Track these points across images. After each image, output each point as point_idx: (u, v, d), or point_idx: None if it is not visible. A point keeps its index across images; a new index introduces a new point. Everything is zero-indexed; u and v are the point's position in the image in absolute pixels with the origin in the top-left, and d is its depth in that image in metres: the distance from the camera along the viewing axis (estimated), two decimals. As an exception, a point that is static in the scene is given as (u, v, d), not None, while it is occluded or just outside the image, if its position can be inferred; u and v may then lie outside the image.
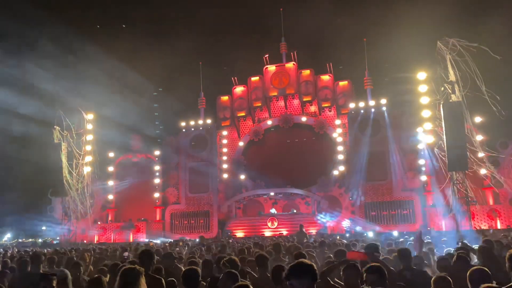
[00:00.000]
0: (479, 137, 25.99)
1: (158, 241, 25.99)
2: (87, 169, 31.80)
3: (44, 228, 38.25)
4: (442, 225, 27.00)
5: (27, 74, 30.72)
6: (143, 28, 40.67)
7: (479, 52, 22.85)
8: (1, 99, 28.34)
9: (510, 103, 24.21)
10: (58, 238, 32.76)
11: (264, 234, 28.31)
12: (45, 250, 10.58)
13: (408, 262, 6.46)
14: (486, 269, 4.68)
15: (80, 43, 34.37)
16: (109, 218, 34.56)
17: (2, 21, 30.39)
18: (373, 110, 31.01)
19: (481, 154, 25.35)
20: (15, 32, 33.50)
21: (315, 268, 3.54)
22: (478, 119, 26.41)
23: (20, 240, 34.13)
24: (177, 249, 13.27)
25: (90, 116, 32.19)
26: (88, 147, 31.92)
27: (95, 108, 32.66)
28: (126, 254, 8.44)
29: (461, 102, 23.79)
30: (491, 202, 27.36)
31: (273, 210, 31.75)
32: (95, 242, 31.33)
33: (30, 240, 35.41)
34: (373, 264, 3.47)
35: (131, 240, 30.58)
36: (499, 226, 26.07)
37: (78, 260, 7.84)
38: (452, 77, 24.02)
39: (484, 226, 25.78)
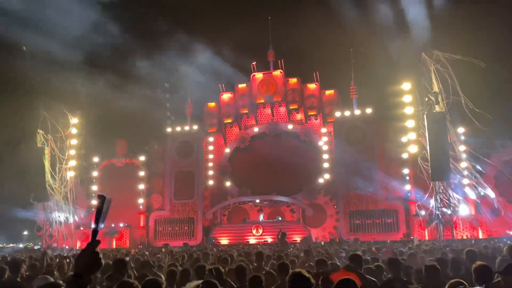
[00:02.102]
0: (462, 148, 26.39)
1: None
2: (70, 174, 31.37)
3: (25, 233, 37.68)
4: (425, 234, 27.28)
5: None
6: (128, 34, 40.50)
7: (463, 65, 23.29)
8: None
9: (493, 114, 24.66)
10: (39, 243, 32.19)
11: (249, 242, 28.22)
12: (22, 257, 10.36)
13: (398, 272, 6.15)
14: None
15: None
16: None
17: None
18: (358, 119, 31.30)
19: (463, 164, 25.71)
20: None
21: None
22: (461, 130, 26.83)
23: (0, 245, 33.47)
24: (158, 255, 13.13)
25: (75, 120, 31.81)
26: (72, 152, 31.52)
27: (80, 112, 32.32)
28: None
29: (444, 113, 24.16)
30: (473, 212, 27.69)
31: (261, 217, 31.71)
32: (78, 248, 30.86)
33: (11, 245, 34.76)
34: (344, 278, 3.44)
35: (114, 246, 30.18)
36: (480, 236, 26.38)
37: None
38: (435, 88, 24.42)
39: (465, 236, 26.07)
